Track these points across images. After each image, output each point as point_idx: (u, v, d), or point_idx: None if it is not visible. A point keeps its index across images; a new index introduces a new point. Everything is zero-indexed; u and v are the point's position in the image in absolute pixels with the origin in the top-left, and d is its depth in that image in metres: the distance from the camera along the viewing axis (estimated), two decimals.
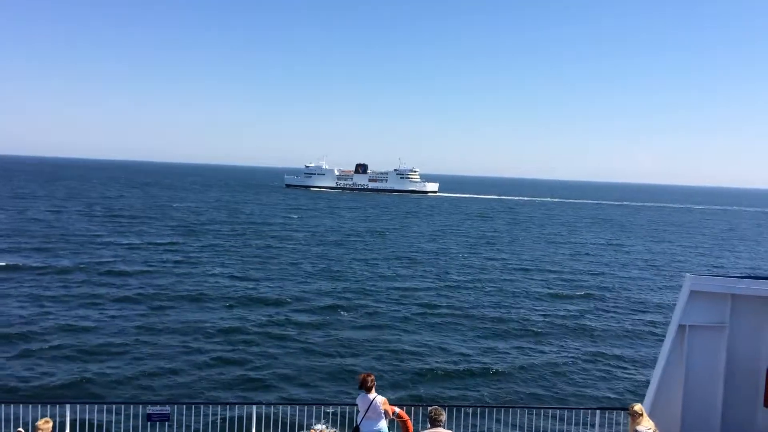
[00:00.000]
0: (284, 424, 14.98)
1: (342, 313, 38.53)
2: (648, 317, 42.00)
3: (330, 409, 14.41)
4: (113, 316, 35.36)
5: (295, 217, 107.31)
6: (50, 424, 10.33)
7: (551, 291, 48.89)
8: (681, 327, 11.37)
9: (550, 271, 58.41)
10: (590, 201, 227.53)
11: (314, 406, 16.11)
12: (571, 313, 41.80)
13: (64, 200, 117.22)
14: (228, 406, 17.62)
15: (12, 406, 12.97)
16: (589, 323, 39.53)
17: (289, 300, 41.18)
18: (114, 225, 79.25)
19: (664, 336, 12.17)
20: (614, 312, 43.22)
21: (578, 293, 48.66)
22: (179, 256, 57.05)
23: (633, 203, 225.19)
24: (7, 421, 12.35)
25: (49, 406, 12.77)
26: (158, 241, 65.88)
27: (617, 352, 33.71)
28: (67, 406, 12.15)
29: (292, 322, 35.78)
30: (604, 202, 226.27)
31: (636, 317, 42.01)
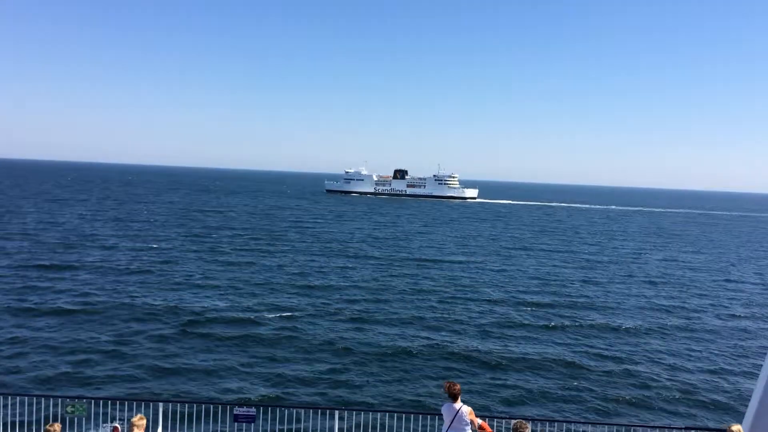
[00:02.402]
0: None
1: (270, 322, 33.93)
2: (745, 329, 38.17)
3: (412, 418, 13.70)
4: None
5: (322, 221, 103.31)
6: (144, 421, 10.32)
7: (639, 303, 44.88)
8: None
9: (628, 283, 53.78)
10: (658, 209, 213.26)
11: (395, 414, 14.40)
12: (658, 326, 38.12)
13: (111, 204, 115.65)
14: (311, 410, 16.82)
15: (109, 403, 13.19)
16: (678, 335, 36.10)
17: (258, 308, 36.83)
18: (128, 229, 76.96)
19: (764, 351, 9.81)
20: (707, 323, 39.50)
21: (668, 304, 44.79)
22: (161, 257, 53.75)
23: (693, 211, 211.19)
24: (105, 417, 12.63)
25: (143, 404, 13.17)
26: (151, 246, 62.57)
27: (711, 366, 30.36)
28: (160, 404, 12.17)
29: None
30: (674, 210, 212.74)
31: (732, 328, 38.21)
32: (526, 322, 37.44)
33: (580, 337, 34.61)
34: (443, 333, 34.27)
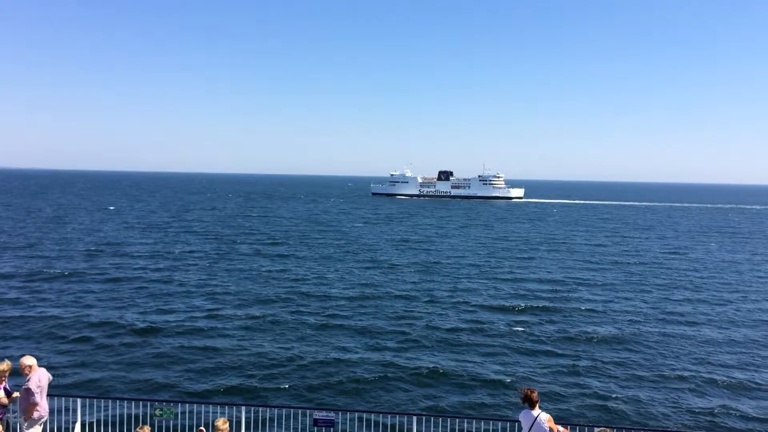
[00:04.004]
0: None
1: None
2: None
3: (491, 425, 12.94)
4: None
5: (359, 225, 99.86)
6: (227, 425, 10.22)
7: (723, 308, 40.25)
8: None
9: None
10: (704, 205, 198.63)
11: (474, 420, 13.29)
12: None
13: (160, 212, 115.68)
14: (389, 416, 14.96)
15: (195, 405, 13.47)
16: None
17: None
18: (162, 236, 75.52)
19: None
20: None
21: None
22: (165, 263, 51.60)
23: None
24: (191, 419, 12.83)
25: (227, 407, 13.26)
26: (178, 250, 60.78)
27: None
28: (242, 408, 12.08)
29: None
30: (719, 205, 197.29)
31: None
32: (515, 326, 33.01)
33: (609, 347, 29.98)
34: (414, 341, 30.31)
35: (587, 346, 30.26)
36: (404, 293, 42.05)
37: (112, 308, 35.68)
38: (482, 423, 12.85)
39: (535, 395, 10.13)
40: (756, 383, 25.55)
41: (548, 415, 10.01)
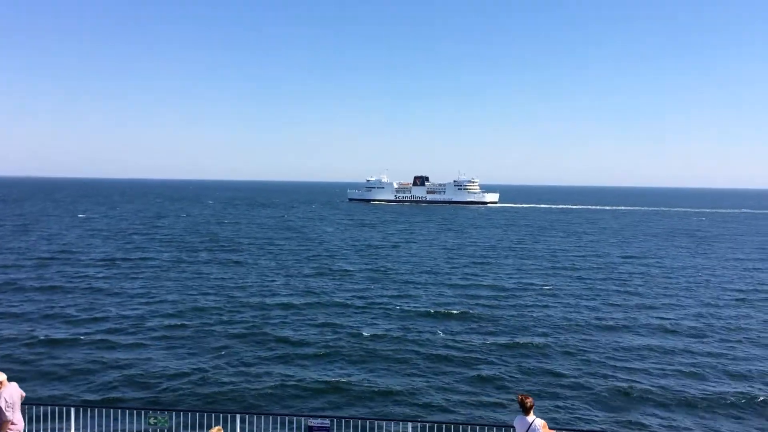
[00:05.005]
0: None
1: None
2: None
3: (485, 431, 12.92)
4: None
5: (330, 231, 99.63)
6: None
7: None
8: None
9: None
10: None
11: (469, 426, 13.16)
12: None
13: (132, 218, 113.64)
14: (384, 422, 15.50)
15: (189, 414, 13.17)
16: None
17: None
18: (125, 243, 74.59)
19: None
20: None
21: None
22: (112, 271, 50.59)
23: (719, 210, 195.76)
24: (186, 427, 12.68)
25: (221, 415, 13.07)
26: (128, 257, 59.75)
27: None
28: (237, 416, 12.21)
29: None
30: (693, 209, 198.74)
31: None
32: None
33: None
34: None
35: (507, 352, 29.86)
36: (344, 300, 41.48)
37: (38, 318, 34.86)
38: (477, 429, 12.88)
39: (529, 401, 10.01)
40: (671, 389, 25.22)
41: (543, 421, 9.95)
